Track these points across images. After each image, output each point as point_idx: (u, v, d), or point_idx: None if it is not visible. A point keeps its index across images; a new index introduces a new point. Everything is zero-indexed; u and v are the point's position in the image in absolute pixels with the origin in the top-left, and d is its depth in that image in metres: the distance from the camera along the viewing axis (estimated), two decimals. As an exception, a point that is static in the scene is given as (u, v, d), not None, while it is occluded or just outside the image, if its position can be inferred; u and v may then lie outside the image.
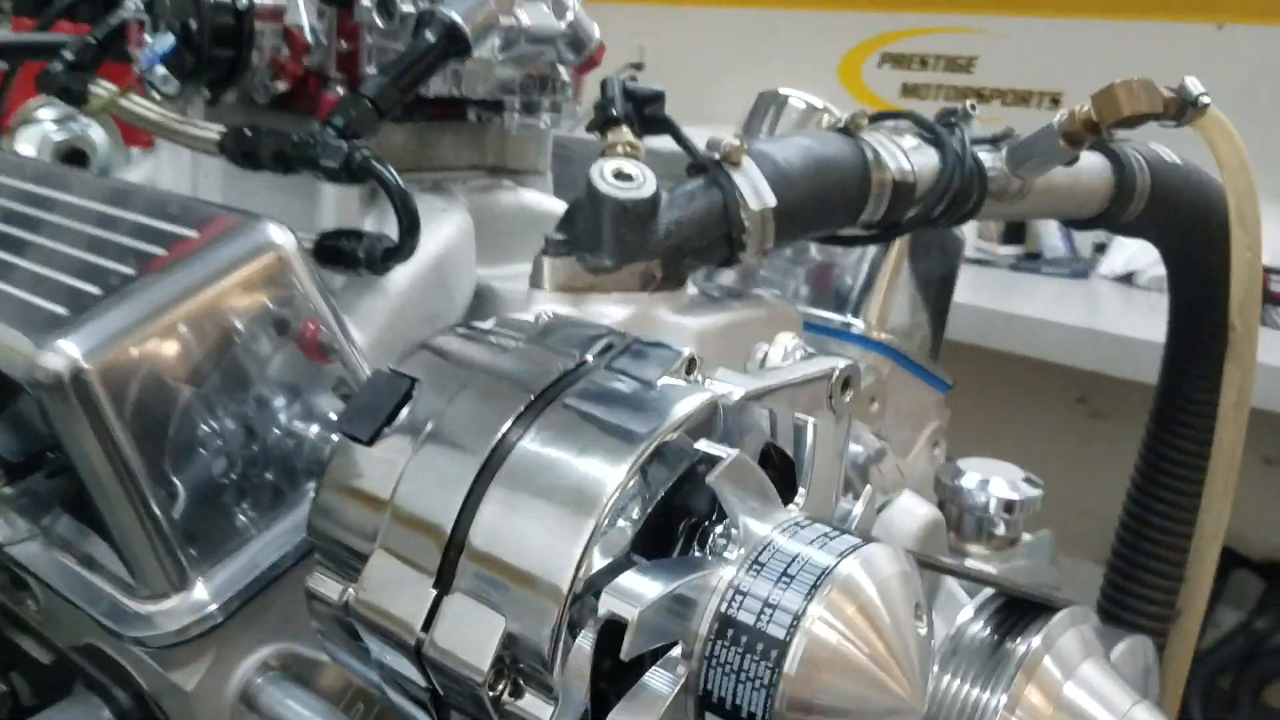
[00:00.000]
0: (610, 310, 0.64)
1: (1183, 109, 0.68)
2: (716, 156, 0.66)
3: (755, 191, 0.65)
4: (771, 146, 0.68)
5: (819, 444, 0.41)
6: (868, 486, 0.51)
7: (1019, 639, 0.54)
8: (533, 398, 0.41)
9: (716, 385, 0.41)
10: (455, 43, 0.64)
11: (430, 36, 0.64)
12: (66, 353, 0.43)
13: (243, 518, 0.49)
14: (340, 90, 0.68)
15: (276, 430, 0.51)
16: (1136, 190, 0.79)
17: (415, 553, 0.40)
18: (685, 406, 0.39)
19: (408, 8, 0.66)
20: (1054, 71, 2.75)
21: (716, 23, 3.27)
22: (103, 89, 0.71)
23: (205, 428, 0.48)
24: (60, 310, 0.45)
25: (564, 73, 0.73)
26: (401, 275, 0.64)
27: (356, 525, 0.42)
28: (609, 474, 0.37)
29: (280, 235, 0.49)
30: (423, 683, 0.40)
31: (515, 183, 0.79)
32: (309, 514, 0.44)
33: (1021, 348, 2.23)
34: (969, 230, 2.88)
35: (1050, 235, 2.72)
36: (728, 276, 0.82)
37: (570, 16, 0.70)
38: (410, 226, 0.59)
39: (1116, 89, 0.66)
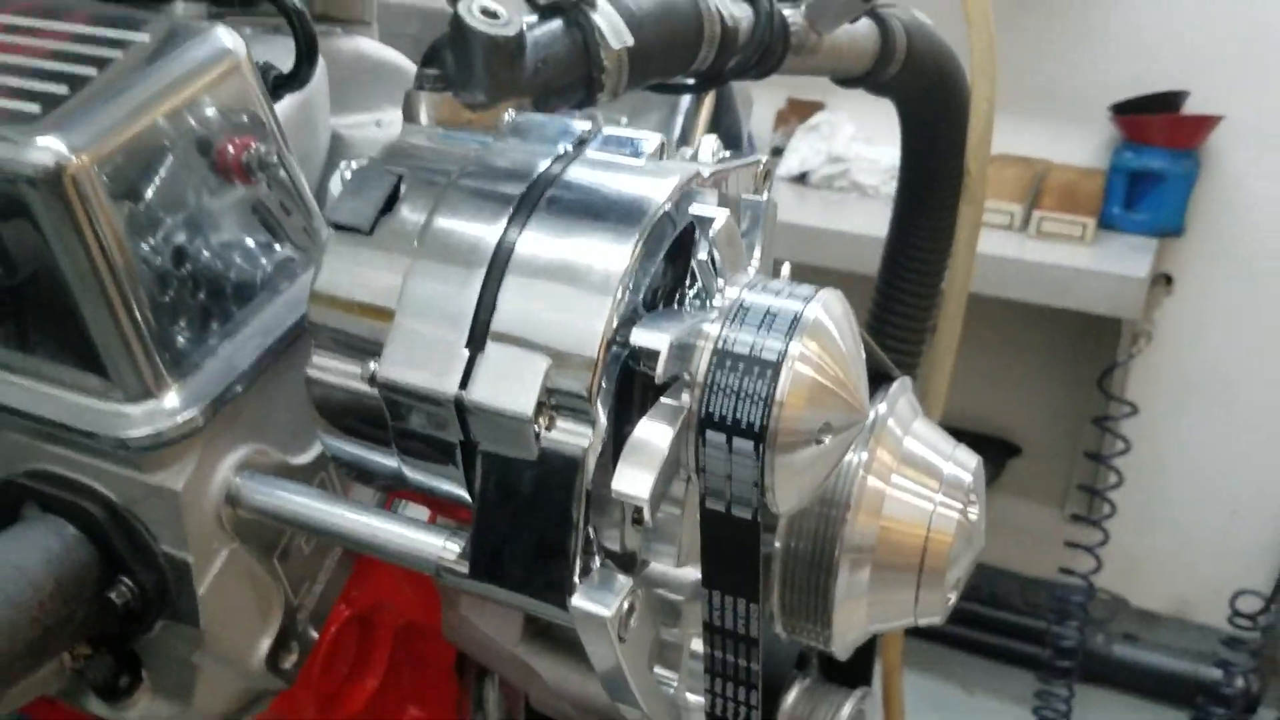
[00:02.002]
0: (486, 142, 0.68)
1: (951, -29, 0.80)
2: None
3: (614, 31, 0.70)
4: (621, -7, 0.74)
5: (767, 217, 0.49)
6: (785, 265, 0.59)
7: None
8: (529, 185, 0.45)
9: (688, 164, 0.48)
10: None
11: None
12: (54, 148, 0.42)
13: (209, 322, 0.50)
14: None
15: (229, 239, 0.51)
16: (896, 52, 0.92)
17: (441, 326, 0.44)
18: (677, 176, 0.45)
19: None
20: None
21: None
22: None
23: (168, 232, 0.48)
24: (31, 108, 0.43)
25: (405, -83, 0.74)
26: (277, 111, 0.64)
27: (367, 310, 0.45)
28: (626, 237, 0.43)
29: (232, 40, 0.49)
30: (458, 438, 0.44)
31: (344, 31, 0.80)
32: (309, 305, 0.46)
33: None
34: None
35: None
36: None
37: None
38: (309, 52, 0.60)
39: (904, -48, 0.78)
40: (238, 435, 0.50)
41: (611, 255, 0.44)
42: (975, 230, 0.97)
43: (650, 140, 0.48)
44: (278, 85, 0.61)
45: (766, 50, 0.81)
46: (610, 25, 0.70)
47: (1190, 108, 2.54)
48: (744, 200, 0.50)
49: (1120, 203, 2.53)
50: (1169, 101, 2.52)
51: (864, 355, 0.48)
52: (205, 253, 0.50)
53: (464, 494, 0.46)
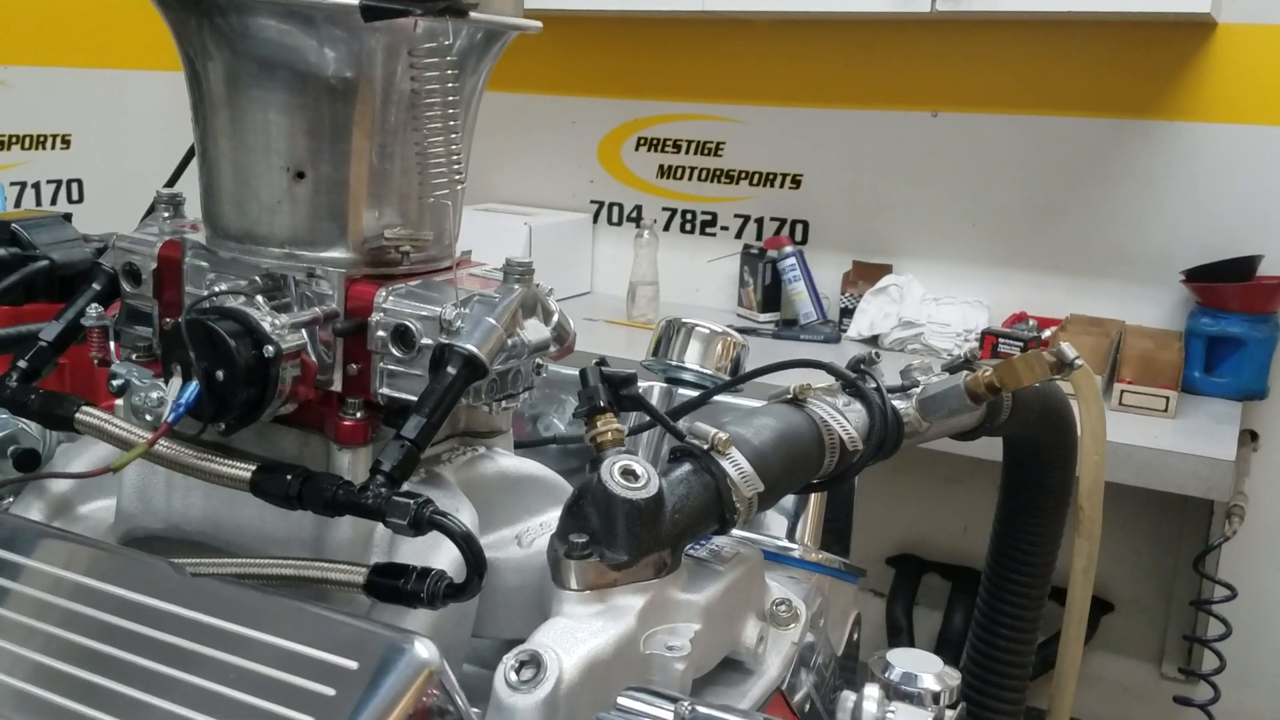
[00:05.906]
0: (631, 600, 0.71)
1: (1062, 368, 0.83)
2: (705, 446, 0.75)
3: (744, 478, 0.74)
4: (746, 430, 0.77)
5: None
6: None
7: None
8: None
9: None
10: (475, 371, 0.70)
11: (452, 370, 0.69)
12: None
13: None
14: (358, 414, 0.72)
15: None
16: (1003, 406, 0.95)
17: None
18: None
19: (425, 340, 0.70)
20: (795, 155, 3.03)
21: (482, 107, 3.33)
22: (96, 418, 0.71)
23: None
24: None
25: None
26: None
27: None
28: None
29: (427, 651, 0.53)
30: None
31: (485, 444, 0.84)
32: None
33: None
34: (730, 299, 3.07)
35: (803, 303, 2.98)
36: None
37: (555, 319, 0.77)
38: (479, 567, 0.64)
39: (1016, 363, 0.81)
40: None
41: None
42: (1092, 562, 0.99)
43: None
44: (447, 595, 0.65)
45: (883, 442, 0.84)
46: (740, 472, 0.74)
47: (1266, 269, 2.53)
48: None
49: (1200, 366, 2.52)
50: (1243, 266, 2.51)
51: None
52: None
53: None
